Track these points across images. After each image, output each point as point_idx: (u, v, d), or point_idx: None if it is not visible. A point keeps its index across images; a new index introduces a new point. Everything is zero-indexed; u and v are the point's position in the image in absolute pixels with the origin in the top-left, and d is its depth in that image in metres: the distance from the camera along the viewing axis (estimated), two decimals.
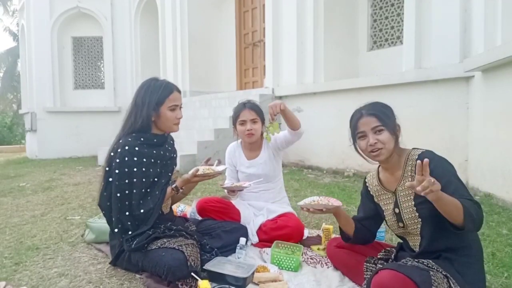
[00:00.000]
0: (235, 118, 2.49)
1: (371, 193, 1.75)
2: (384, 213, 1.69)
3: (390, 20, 5.52)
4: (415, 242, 1.59)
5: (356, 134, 1.62)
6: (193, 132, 6.02)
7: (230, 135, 2.64)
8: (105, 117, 9.37)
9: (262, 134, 2.53)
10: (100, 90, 10.11)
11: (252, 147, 2.54)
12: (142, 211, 1.92)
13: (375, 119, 1.55)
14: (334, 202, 1.72)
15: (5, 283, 1.91)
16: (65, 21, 9.66)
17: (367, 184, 1.78)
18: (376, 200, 1.74)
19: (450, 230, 1.41)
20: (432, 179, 1.24)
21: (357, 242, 1.83)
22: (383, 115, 1.56)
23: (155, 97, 1.98)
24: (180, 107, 2.09)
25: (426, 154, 1.53)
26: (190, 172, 2.05)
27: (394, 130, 1.57)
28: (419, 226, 1.54)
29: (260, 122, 2.47)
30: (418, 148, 1.60)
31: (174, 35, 8.12)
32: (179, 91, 2.08)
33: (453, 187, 1.40)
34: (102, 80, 10.22)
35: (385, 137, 1.54)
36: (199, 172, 2.01)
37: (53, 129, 9.39)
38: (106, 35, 9.73)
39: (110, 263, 2.08)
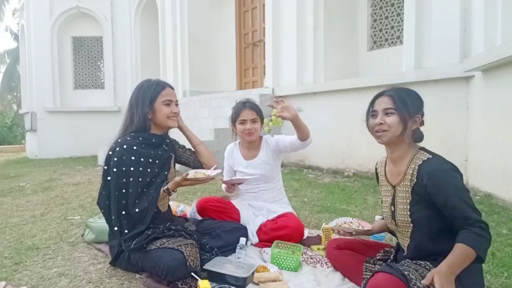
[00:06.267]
0: (235, 118, 2.48)
1: (379, 178, 1.74)
2: (382, 204, 1.70)
3: (390, 20, 5.53)
4: (404, 243, 1.60)
5: (371, 111, 1.60)
6: (193, 132, 6.00)
7: (230, 135, 2.64)
8: (105, 117, 9.37)
9: (260, 136, 2.52)
10: (100, 90, 10.12)
11: (251, 146, 2.54)
12: (137, 210, 1.92)
13: (390, 101, 1.52)
14: (365, 225, 1.78)
15: (5, 283, 1.91)
16: (65, 21, 9.66)
17: (377, 169, 1.77)
18: (379, 187, 1.74)
19: (440, 238, 1.45)
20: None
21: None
22: (399, 100, 1.51)
23: (148, 95, 2.04)
24: (176, 103, 2.13)
25: (428, 164, 1.45)
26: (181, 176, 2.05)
27: (406, 117, 1.50)
28: (409, 230, 1.54)
29: (259, 122, 2.47)
30: (425, 151, 1.54)
31: (174, 35, 8.12)
32: (172, 88, 2.14)
33: (450, 206, 1.39)
34: (102, 80, 10.22)
35: (392, 121, 1.50)
36: (189, 176, 1.98)
37: (53, 129, 9.39)
38: (106, 35, 9.73)
39: (110, 263, 2.08)
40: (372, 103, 1.60)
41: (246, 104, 2.48)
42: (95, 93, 10.05)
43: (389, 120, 1.51)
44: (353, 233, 1.77)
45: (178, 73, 8.09)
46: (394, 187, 1.60)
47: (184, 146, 2.36)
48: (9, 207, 3.71)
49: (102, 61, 10.18)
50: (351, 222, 1.84)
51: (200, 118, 6.56)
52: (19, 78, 16.59)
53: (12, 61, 20.39)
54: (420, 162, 1.48)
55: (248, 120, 2.43)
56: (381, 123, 1.52)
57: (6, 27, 21.01)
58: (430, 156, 1.50)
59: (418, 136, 1.56)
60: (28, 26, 9.87)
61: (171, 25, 8.13)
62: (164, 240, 1.87)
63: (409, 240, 1.56)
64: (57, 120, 9.44)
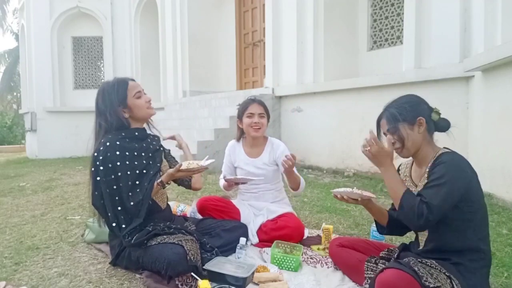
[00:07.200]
0: (242, 111, 2.48)
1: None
2: None
3: (390, 20, 5.52)
4: (422, 237, 1.60)
5: (380, 135, 1.66)
6: (193, 132, 6.01)
7: (230, 134, 2.65)
8: None
9: (265, 136, 2.52)
10: None
11: (254, 143, 2.54)
12: (132, 203, 1.93)
13: (386, 122, 1.60)
14: (368, 194, 1.75)
15: (5, 283, 1.91)
16: (65, 21, 9.67)
17: (400, 171, 1.77)
18: None
19: (457, 232, 1.45)
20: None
21: (391, 233, 1.82)
22: (392, 118, 1.58)
23: (115, 97, 2.04)
24: (144, 92, 2.14)
25: (444, 156, 1.51)
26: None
27: (401, 133, 1.55)
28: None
29: (266, 119, 2.49)
30: (447, 149, 1.58)
31: (174, 35, 8.12)
32: (133, 80, 2.14)
33: (428, 191, 1.42)
34: (102, 80, 10.21)
35: (398, 137, 1.57)
36: (182, 167, 2.00)
37: (53, 129, 9.39)
38: (106, 35, 9.73)
39: (110, 263, 2.08)
40: (378, 126, 1.66)
41: (255, 99, 2.51)
42: (95, 93, 9.88)
43: (396, 137, 1.58)
44: (359, 199, 1.72)
45: (178, 73, 8.09)
46: (417, 186, 1.62)
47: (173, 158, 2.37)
48: (9, 207, 3.71)
49: (102, 61, 10.18)
50: (354, 191, 1.80)
51: (200, 118, 6.55)
52: (19, 78, 16.60)
53: (12, 61, 20.39)
54: (438, 154, 1.54)
55: (256, 114, 2.43)
56: (393, 142, 1.59)
57: (7, 26, 21.04)
58: (449, 151, 1.54)
59: (438, 127, 1.64)
60: (28, 26, 9.87)
61: (171, 25, 8.13)
62: (165, 237, 1.89)
63: (427, 234, 1.56)
64: (57, 120, 9.44)
